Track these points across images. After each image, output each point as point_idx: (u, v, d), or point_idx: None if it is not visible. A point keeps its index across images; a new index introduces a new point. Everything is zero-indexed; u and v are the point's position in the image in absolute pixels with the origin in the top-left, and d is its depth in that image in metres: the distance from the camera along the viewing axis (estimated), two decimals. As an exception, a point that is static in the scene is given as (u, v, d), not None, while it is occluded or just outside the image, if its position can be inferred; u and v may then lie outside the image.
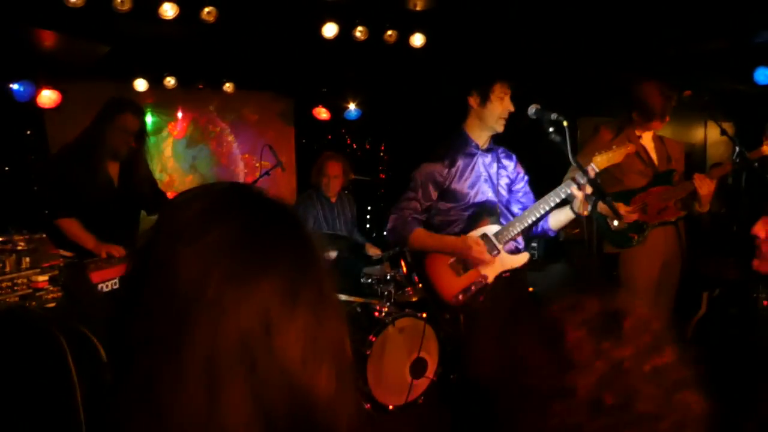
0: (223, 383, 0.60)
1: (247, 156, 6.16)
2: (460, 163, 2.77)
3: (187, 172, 5.97)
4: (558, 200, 2.65)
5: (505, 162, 2.93)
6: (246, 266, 0.63)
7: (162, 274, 0.63)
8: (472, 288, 2.72)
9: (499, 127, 2.77)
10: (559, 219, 2.77)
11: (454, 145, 2.82)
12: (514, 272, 2.81)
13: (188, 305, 0.61)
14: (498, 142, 2.94)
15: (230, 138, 6.13)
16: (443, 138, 2.88)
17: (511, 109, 2.73)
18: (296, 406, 0.62)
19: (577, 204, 2.62)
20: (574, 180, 2.58)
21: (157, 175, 4.20)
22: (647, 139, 3.35)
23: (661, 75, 3.37)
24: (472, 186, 2.78)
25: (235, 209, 0.68)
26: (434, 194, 2.78)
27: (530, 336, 0.82)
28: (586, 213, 2.61)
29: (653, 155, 3.33)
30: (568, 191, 2.60)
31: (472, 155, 2.81)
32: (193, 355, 0.60)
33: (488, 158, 2.85)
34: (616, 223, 3.23)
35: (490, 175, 2.84)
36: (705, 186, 3.09)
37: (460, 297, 2.72)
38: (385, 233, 2.84)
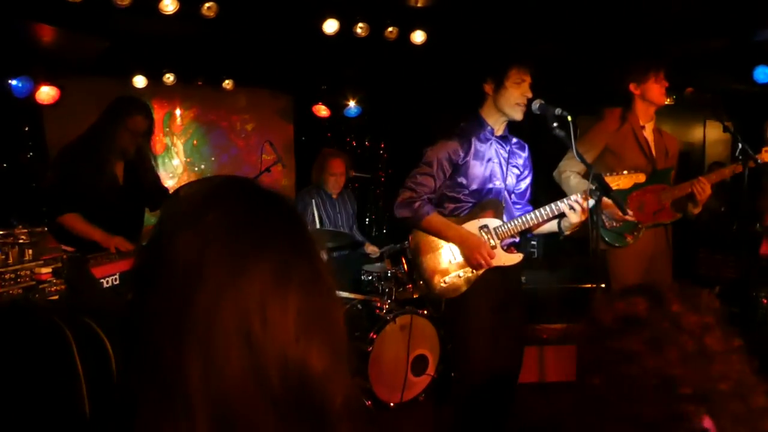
0: (221, 357, 0.64)
1: (252, 151, 6.13)
2: (475, 145, 2.72)
3: (187, 169, 5.96)
4: (564, 210, 2.61)
5: (518, 152, 2.89)
6: (241, 247, 0.67)
7: (164, 257, 0.67)
8: (460, 275, 2.71)
9: (517, 115, 2.68)
10: (543, 227, 2.76)
11: (470, 128, 2.76)
12: (507, 267, 2.78)
13: (188, 285, 0.65)
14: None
15: (229, 134, 6.11)
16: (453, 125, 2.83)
17: (529, 95, 2.63)
18: (290, 378, 0.66)
19: (566, 223, 2.63)
20: (577, 201, 2.57)
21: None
22: (649, 131, 3.32)
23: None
24: (484, 170, 2.74)
25: (230, 196, 0.73)
26: (448, 172, 2.71)
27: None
28: (568, 233, 2.67)
29: (653, 150, 3.31)
30: (575, 207, 2.58)
31: (487, 140, 2.76)
32: (193, 330, 0.64)
33: (502, 146, 2.81)
34: (614, 222, 3.22)
35: (501, 163, 2.80)
36: (705, 191, 3.09)
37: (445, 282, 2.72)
38: (394, 208, 2.72)
